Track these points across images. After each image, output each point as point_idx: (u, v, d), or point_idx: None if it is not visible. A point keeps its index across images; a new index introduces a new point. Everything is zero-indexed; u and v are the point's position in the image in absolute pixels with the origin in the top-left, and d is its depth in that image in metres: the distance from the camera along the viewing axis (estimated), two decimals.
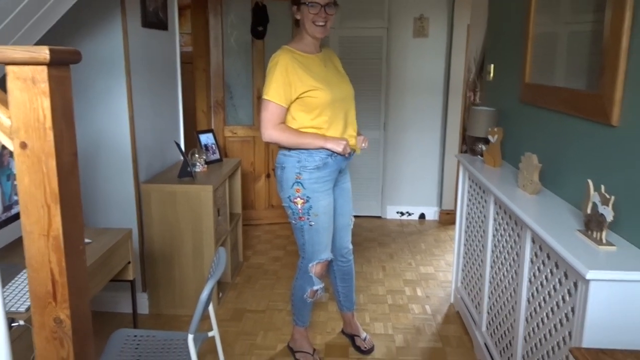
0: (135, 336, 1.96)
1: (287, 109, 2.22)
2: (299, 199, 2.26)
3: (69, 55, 0.98)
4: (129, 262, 2.39)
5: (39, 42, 2.06)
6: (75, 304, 1.01)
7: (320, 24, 2.19)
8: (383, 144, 4.68)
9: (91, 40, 2.64)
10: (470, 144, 2.96)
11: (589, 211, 1.62)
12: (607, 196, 1.54)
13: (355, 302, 2.75)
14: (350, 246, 2.58)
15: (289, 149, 2.25)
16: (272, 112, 2.19)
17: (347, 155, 2.28)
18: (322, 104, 2.20)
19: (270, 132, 2.20)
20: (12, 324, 1.50)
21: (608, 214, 1.52)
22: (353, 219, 2.56)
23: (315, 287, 2.42)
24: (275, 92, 2.16)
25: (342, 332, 2.80)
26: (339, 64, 2.44)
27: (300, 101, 2.20)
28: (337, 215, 2.42)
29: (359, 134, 2.43)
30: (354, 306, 2.74)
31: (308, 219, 2.29)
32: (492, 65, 3.11)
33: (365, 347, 2.63)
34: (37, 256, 0.98)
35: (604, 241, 1.55)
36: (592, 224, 1.60)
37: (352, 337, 2.72)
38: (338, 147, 2.21)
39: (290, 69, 2.16)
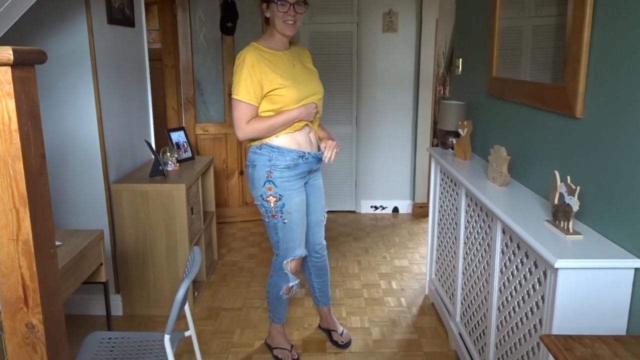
0: (110, 338, 1.93)
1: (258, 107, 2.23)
2: (271, 197, 2.26)
3: (34, 56, 0.96)
4: (101, 264, 2.35)
5: (1, 41, 2.00)
6: (47, 308, 0.99)
7: (290, 22, 2.19)
8: (355, 138, 4.70)
9: (55, 38, 2.58)
10: (441, 138, 3.01)
11: (556, 202, 1.67)
12: (573, 187, 1.58)
13: (331, 297, 2.76)
14: (324, 242, 2.59)
15: (260, 146, 2.25)
16: (244, 112, 2.19)
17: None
18: (288, 101, 2.20)
19: (245, 129, 2.20)
20: None
21: (574, 204, 1.57)
22: (326, 215, 2.57)
23: (290, 284, 2.43)
24: (244, 91, 2.16)
25: (319, 327, 2.81)
26: (309, 61, 2.43)
27: (268, 98, 2.20)
28: (309, 212, 2.43)
29: (330, 138, 2.40)
30: (329, 301, 2.75)
31: (281, 216, 2.29)
32: (461, 60, 3.15)
33: (342, 342, 2.65)
34: (6, 261, 0.96)
35: (571, 230, 1.60)
36: (559, 214, 1.65)
37: (329, 332, 2.73)
38: (310, 116, 2.27)
39: (257, 67, 2.15)
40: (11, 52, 0.88)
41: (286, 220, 2.30)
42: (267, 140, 2.24)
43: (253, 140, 2.27)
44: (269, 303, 2.57)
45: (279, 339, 2.59)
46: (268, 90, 2.18)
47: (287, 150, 2.24)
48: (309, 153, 2.31)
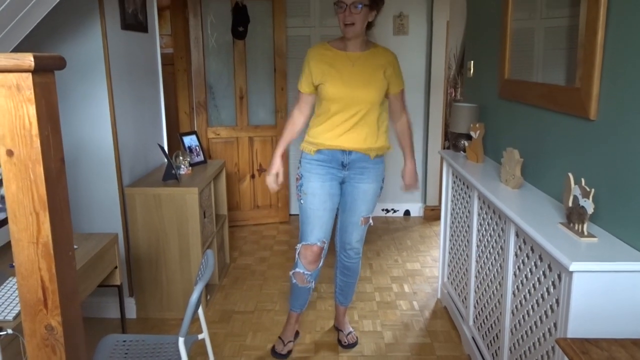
0: (125, 341, 1.95)
1: (315, 95, 2.43)
2: (298, 176, 2.49)
3: (53, 62, 0.98)
4: (116, 267, 2.37)
5: (17, 48, 2.04)
6: (66, 310, 1.01)
7: (349, 23, 2.26)
8: None
9: (70, 44, 2.61)
10: (452, 140, 3.00)
11: (570, 204, 1.66)
12: (588, 189, 1.57)
13: (350, 300, 2.78)
14: (357, 245, 2.58)
15: (307, 135, 2.47)
16: (297, 97, 2.50)
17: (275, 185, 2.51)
18: (327, 97, 2.34)
19: (292, 110, 2.52)
20: (0, 333, 1.49)
21: (589, 206, 1.56)
22: (367, 221, 2.54)
23: (297, 270, 2.51)
24: (300, 80, 2.44)
25: (334, 325, 2.85)
26: (382, 66, 2.37)
27: (317, 89, 2.40)
28: (345, 210, 2.51)
29: (409, 174, 2.66)
30: (347, 303, 2.77)
31: (299, 196, 2.46)
32: (472, 62, 3.15)
33: (345, 342, 2.68)
34: (26, 263, 0.97)
35: (586, 233, 1.59)
36: (573, 217, 1.64)
37: (339, 331, 2.77)
38: (267, 174, 2.51)
39: (311, 60, 2.37)
40: (32, 59, 0.89)
41: (302, 201, 2.44)
42: (309, 126, 2.48)
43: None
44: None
45: (285, 328, 2.69)
46: (316, 83, 2.37)
47: (313, 140, 2.42)
48: (337, 151, 2.39)
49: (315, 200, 2.41)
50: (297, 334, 2.76)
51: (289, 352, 2.63)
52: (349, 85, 2.31)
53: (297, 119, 2.49)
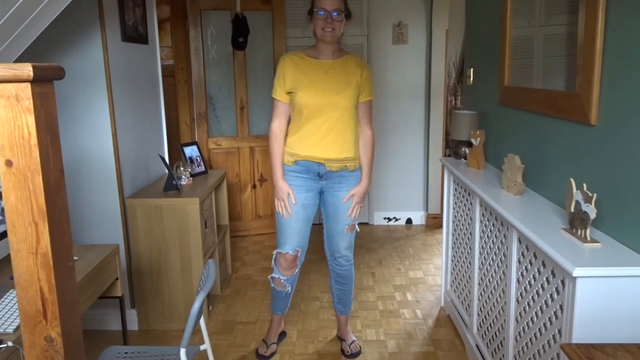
0: (126, 353, 1.94)
1: (290, 105, 2.44)
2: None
3: (52, 72, 0.98)
4: (117, 279, 2.36)
5: (19, 59, 2.05)
6: (66, 321, 1.00)
7: (328, 29, 2.31)
8: None
9: (71, 55, 2.62)
10: (453, 148, 3.00)
11: (572, 209, 1.65)
12: (590, 194, 1.57)
13: (349, 308, 2.78)
14: (345, 253, 2.60)
15: (285, 144, 2.48)
16: (274, 106, 2.48)
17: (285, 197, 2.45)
18: (300, 104, 2.36)
19: (271, 125, 2.47)
20: (0, 346, 1.48)
21: (591, 211, 1.55)
22: (353, 228, 2.56)
23: (274, 275, 2.58)
24: (274, 88, 2.45)
25: (337, 335, 2.85)
26: (355, 75, 2.40)
27: (290, 97, 2.41)
28: (330, 220, 2.54)
29: (359, 192, 2.50)
30: (347, 311, 2.77)
31: (277, 205, 2.50)
32: (472, 70, 3.15)
33: (348, 352, 2.66)
34: (25, 274, 0.97)
35: (589, 238, 1.58)
36: (576, 222, 1.63)
37: (342, 341, 2.76)
38: (276, 197, 2.48)
39: (283, 68, 2.40)
40: (31, 69, 0.89)
41: (277, 209, 2.49)
42: (287, 134, 2.48)
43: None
44: None
45: (269, 331, 2.76)
46: (288, 89, 2.39)
47: (292, 151, 2.43)
48: (313, 163, 2.41)
49: (292, 210, 2.45)
50: (283, 334, 2.82)
51: (273, 354, 2.67)
52: (322, 93, 2.34)
53: (279, 133, 2.46)
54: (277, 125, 2.45)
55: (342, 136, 2.40)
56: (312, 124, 2.37)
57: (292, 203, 2.44)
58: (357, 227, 2.58)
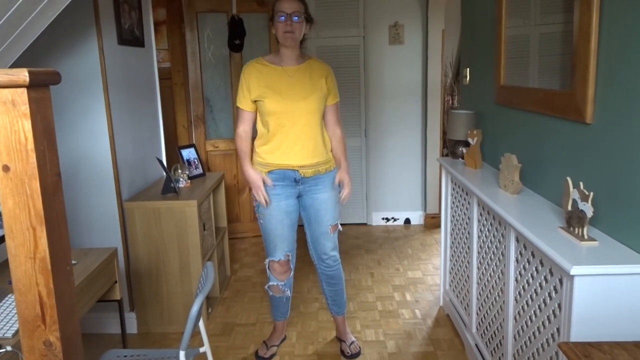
0: (126, 356, 1.94)
1: (255, 113, 2.45)
2: (254, 197, 2.50)
3: (49, 77, 0.98)
4: (116, 282, 2.36)
5: (15, 64, 2.05)
6: (64, 325, 1.00)
7: (288, 31, 2.32)
8: (365, 150, 4.71)
9: (68, 59, 2.62)
10: (450, 147, 3.00)
11: (569, 208, 1.66)
12: (586, 192, 1.57)
13: (344, 307, 2.77)
14: (332, 253, 2.61)
15: (256, 155, 2.48)
16: (239, 114, 2.48)
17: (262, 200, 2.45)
18: (267, 112, 2.38)
19: (237, 131, 2.49)
20: (0, 351, 1.48)
21: (588, 210, 1.56)
22: (336, 227, 2.58)
23: (271, 283, 2.60)
24: (238, 97, 2.44)
25: (336, 336, 2.84)
26: (320, 77, 2.43)
27: (256, 105, 2.42)
28: (312, 223, 2.55)
29: (343, 179, 2.56)
30: (343, 311, 2.76)
31: (258, 215, 2.52)
32: (468, 69, 3.16)
33: (348, 352, 2.67)
34: (24, 279, 0.97)
35: (586, 237, 1.58)
36: (573, 221, 1.63)
37: (341, 342, 2.76)
38: (253, 188, 2.46)
39: (248, 77, 2.40)
40: (27, 74, 0.90)
41: (261, 220, 2.51)
42: (254, 146, 2.50)
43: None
44: None
45: (271, 335, 2.78)
46: (253, 98, 2.39)
47: (266, 158, 2.45)
48: (288, 170, 2.42)
49: (273, 220, 2.48)
50: (283, 338, 2.83)
51: (272, 355, 2.68)
52: (288, 99, 2.35)
53: (244, 135, 2.47)
54: (243, 130, 2.47)
55: (313, 141, 2.42)
56: (281, 132, 2.39)
57: (274, 212, 2.45)
58: (339, 226, 2.60)
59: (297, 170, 2.43)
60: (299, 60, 2.43)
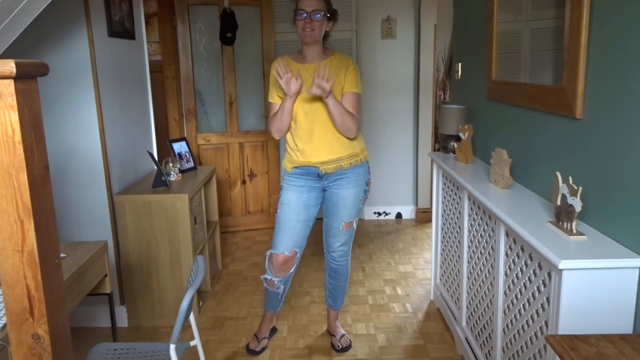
0: (115, 350, 1.93)
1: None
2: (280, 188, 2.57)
3: (36, 68, 0.97)
4: (106, 275, 2.35)
5: (3, 55, 2.02)
6: (53, 318, 1.00)
7: (308, 29, 2.32)
8: None
9: (57, 51, 2.60)
10: (442, 142, 3.01)
11: (558, 203, 1.67)
12: (575, 187, 1.58)
13: (340, 304, 2.79)
14: (340, 249, 2.61)
15: (286, 151, 2.54)
16: (270, 109, 2.52)
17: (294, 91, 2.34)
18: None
19: (269, 127, 2.49)
20: None
21: (577, 204, 1.57)
22: (350, 225, 2.56)
23: (265, 276, 2.59)
24: (269, 92, 2.51)
25: (327, 330, 2.86)
26: (339, 74, 2.38)
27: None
28: (328, 215, 2.56)
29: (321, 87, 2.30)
30: (337, 306, 2.78)
31: (277, 207, 2.55)
32: (460, 64, 3.16)
33: (338, 346, 2.68)
34: (11, 272, 0.96)
35: (574, 231, 1.60)
36: (562, 215, 1.65)
37: (331, 336, 2.77)
38: (288, 89, 2.33)
39: (273, 73, 2.40)
40: (13, 65, 0.89)
41: (278, 211, 2.52)
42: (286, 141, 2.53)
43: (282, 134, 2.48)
44: None
45: (260, 326, 2.76)
46: (279, 94, 2.44)
47: (293, 155, 2.50)
48: (311, 167, 2.44)
49: (289, 211, 2.48)
50: (274, 330, 2.83)
51: (263, 348, 2.68)
52: (310, 96, 2.34)
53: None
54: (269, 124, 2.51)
55: (334, 136, 2.41)
56: (302, 129, 2.41)
57: (287, 202, 2.47)
58: (354, 225, 2.58)
59: (319, 167, 2.44)
60: (322, 57, 2.44)
